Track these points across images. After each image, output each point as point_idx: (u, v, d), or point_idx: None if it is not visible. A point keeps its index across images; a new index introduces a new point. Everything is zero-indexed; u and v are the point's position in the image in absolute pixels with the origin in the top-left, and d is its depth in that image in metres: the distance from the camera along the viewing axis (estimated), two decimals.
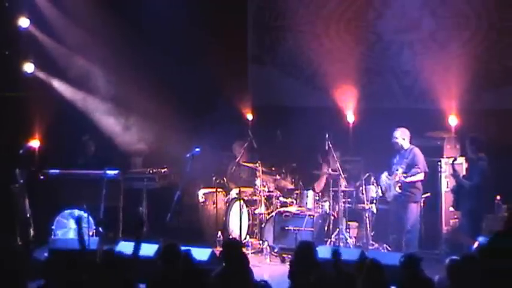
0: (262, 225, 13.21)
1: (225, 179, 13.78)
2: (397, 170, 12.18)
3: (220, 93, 14.47)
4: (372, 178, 12.62)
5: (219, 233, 13.01)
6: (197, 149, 12.83)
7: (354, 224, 13.05)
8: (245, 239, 13.22)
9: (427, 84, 13.61)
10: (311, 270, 7.69)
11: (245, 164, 13.56)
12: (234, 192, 13.64)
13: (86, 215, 11.89)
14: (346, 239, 12.59)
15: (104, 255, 7.83)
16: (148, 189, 13.55)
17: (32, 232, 12.95)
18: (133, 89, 14.05)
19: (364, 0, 14.38)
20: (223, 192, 13.73)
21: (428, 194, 12.50)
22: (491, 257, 7.63)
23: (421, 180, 12.16)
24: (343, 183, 12.78)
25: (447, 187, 12.58)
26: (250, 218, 13.48)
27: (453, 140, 12.95)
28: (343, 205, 12.78)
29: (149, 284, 7.58)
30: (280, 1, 15.13)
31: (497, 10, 13.27)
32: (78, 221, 8.86)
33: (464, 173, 12.29)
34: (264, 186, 13.44)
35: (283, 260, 12.32)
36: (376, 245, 12.47)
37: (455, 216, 12.47)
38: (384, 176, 12.41)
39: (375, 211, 12.60)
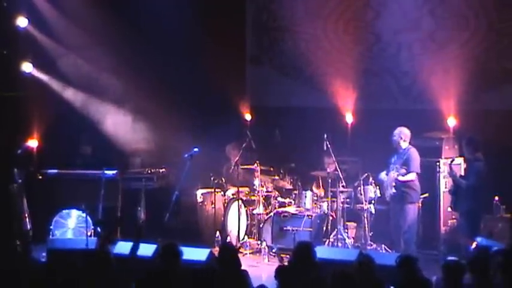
0: (261, 226, 13.21)
1: (223, 179, 13.77)
2: (392, 169, 12.19)
3: (219, 94, 14.45)
4: (370, 178, 12.62)
5: (217, 233, 13.00)
6: (195, 149, 12.83)
7: (352, 224, 13.05)
8: (243, 239, 13.22)
9: (425, 85, 13.61)
10: (309, 271, 7.68)
11: (243, 166, 13.53)
12: (229, 193, 13.64)
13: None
14: (345, 239, 12.59)
15: (98, 255, 7.83)
16: (147, 189, 13.54)
17: (30, 232, 12.96)
18: (132, 88, 14.04)
19: (362, 0, 14.37)
20: (222, 192, 13.73)
21: (427, 195, 12.51)
22: None
23: (413, 181, 12.13)
24: (341, 183, 12.79)
25: (445, 187, 12.58)
26: (249, 218, 13.48)
27: (451, 140, 12.95)
28: (341, 205, 12.78)
29: (147, 283, 7.57)
30: (279, 2, 15.13)
31: (496, 10, 13.27)
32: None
33: (462, 173, 12.30)
34: (262, 187, 13.45)
35: (281, 260, 12.31)
36: (375, 246, 12.47)
37: (454, 217, 12.48)
38: (383, 175, 12.42)
39: (373, 211, 12.61)
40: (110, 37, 13.70)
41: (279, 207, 13.33)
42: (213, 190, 13.43)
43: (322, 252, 9.86)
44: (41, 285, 7.35)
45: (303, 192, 13.14)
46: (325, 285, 7.16)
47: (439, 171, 12.60)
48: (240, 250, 12.67)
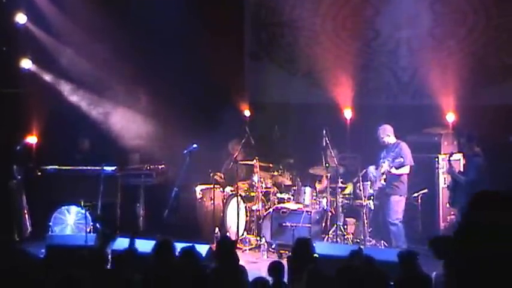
0: (260, 222, 13.21)
1: (222, 175, 13.77)
2: (383, 162, 12.21)
3: (218, 90, 14.45)
4: (368, 176, 12.64)
5: (217, 229, 13.01)
6: (194, 145, 12.84)
7: (351, 220, 13.05)
8: (242, 235, 13.22)
9: (424, 81, 13.61)
10: (308, 267, 7.68)
11: (243, 162, 13.54)
12: (228, 189, 13.65)
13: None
14: (344, 235, 12.60)
15: (100, 253, 7.84)
16: (146, 186, 13.56)
17: (29, 228, 12.98)
18: (130, 84, 14.05)
19: None
20: (221, 189, 13.73)
21: (426, 190, 12.52)
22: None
23: (407, 174, 12.17)
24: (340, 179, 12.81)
25: (444, 183, 12.60)
26: (248, 214, 13.48)
27: (450, 136, 12.97)
28: (340, 201, 12.79)
29: (144, 280, 7.57)
30: None
31: (495, 6, 13.27)
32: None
33: (461, 169, 12.32)
34: (262, 183, 13.44)
35: (280, 256, 12.32)
36: (374, 241, 12.48)
37: (453, 213, 12.49)
38: (372, 168, 12.45)
39: (372, 207, 12.61)
40: (108, 34, 13.68)
41: (278, 203, 13.33)
42: (212, 186, 13.43)
43: (321, 248, 9.87)
44: (40, 282, 7.34)
45: (302, 188, 13.15)
46: (323, 279, 7.15)
47: (438, 167, 12.61)
48: (239, 246, 12.68)
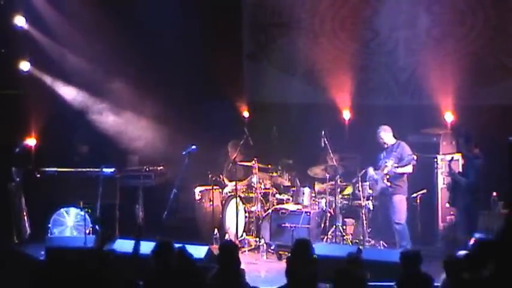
0: (259, 223, 13.21)
1: (221, 176, 13.77)
2: (386, 163, 12.22)
3: (216, 91, 14.44)
4: (368, 178, 12.64)
5: (216, 230, 13.01)
6: (193, 147, 12.84)
7: (350, 221, 13.05)
8: (242, 236, 13.21)
9: (423, 81, 13.61)
10: (308, 267, 7.67)
11: (241, 163, 13.54)
12: (227, 189, 13.64)
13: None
14: (343, 236, 12.60)
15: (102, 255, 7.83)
16: (145, 187, 13.55)
17: (28, 230, 12.98)
18: (129, 86, 14.04)
19: None
20: (220, 190, 13.73)
21: (425, 191, 12.53)
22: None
23: (410, 173, 12.20)
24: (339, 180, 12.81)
25: (443, 183, 12.62)
26: (247, 216, 13.47)
27: (449, 136, 12.98)
28: (339, 202, 12.79)
29: (145, 282, 7.58)
30: None
31: (493, 6, 13.27)
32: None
33: (460, 169, 12.33)
34: (260, 184, 13.44)
35: (280, 257, 12.33)
36: (373, 242, 12.48)
37: (452, 213, 12.50)
38: (371, 171, 12.46)
39: (371, 208, 12.62)
40: (107, 35, 13.68)
41: (277, 204, 13.32)
42: (211, 187, 13.43)
43: (320, 248, 9.88)
44: (40, 284, 7.35)
45: (301, 189, 13.15)
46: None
47: (437, 167, 12.63)
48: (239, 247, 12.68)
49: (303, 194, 13.06)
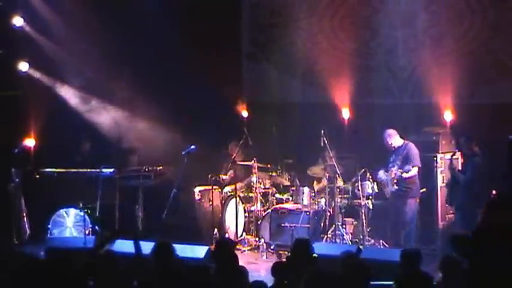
0: (259, 222, 13.21)
1: (220, 176, 13.76)
2: (393, 167, 12.23)
3: (215, 91, 14.43)
4: (368, 174, 12.64)
5: (215, 230, 13.01)
6: (193, 147, 12.83)
7: (350, 220, 13.05)
8: (241, 236, 13.22)
9: (422, 80, 13.62)
10: (307, 267, 7.67)
11: (241, 162, 13.54)
12: (227, 189, 13.64)
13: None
14: (343, 235, 12.60)
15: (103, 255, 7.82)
16: (144, 187, 13.55)
17: (28, 231, 12.98)
18: (127, 86, 14.04)
19: None
20: (219, 190, 13.72)
21: (424, 190, 12.53)
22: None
23: (416, 175, 12.21)
24: (339, 179, 12.80)
25: (443, 182, 12.62)
26: (247, 215, 13.47)
27: (449, 135, 12.97)
28: (339, 201, 12.78)
29: (143, 283, 7.56)
30: None
31: (491, 6, 13.27)
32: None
33: (460, 167, 12.34)
34: (260, 183, 13.44)
35: (279, 257, 12.32)
36: (373, 241, 12.48)
37: (451, 212, 12.51)
38: (382, 173, 12.46)
39: (371, 207, 12.62)
40: (105, 35, 13.70)
41: (277, 203, 13.34)
42: (210, 187, 13.42)
43: (320, 248, 9.87)
44: (39, 285, 7.34)
45: (301, 188, 13.15)
46: (323, 280, 7.14)
47: (437, 166, 12.62)
48: (238, 247, 12.68)
49: (303, 193, 13.06)
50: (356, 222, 12.92)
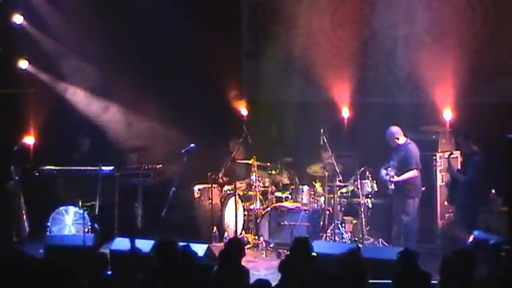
0: (258, 221, 13.21)
1: (220, 174, 13.75)
2: (390, 167, 12.23)
3: (215, 89, 14.43)
4: (367, 172, 12.63)
5: (215, 228, 13.01)
6: (192, 145, 12.82)
7: (349, 219, 13.04)
8: (240, 234, 13.22)
9: (421, 78, 13.59)
10: (306, 265, 7.67)
11: (240, 160, 13.54)
12: (226, 188, 13.64)
13: None
14: (342, 234, 12.60)
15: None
16: (144, 186, 13.55)
17: (27, 229, 12.97)
18: (127, 85, 14.03)
19: None
20: (219, 188, 13.72)
21: (424, 188, 12.52)
22: None
23: (415, 177, 12.20)
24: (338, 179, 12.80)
25: (442, 181, 12.62)
26: (246, 214, 13.47)
27: (448, 134, 12.96)
28: (338, 200, 12.78)
29: (145, 280, 7.57)
30: None
31: (492, 4, 13.26)
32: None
33: (459, 167, 12.33)
34: (259, 182, 13.43)
35: (279, 255, 12.33)
36: (372, 240, 12.48)
37: (451, 211, 12.51)
38: (383, 172, 12.44)
39: (370, 206, 12.62)
40: (106, 33, 13.69)
41: (276, 202, 13.34)
42: (210, 185, 13.42)
43: (319, 246, 9.87)
44: (38, 282, 7.34)
45: (300, 187, 13.14)
46: (325, 277, 7.14)
47: (436, 165, 12.62)
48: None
49: (302, 191, 13.06)
50: (355, 221, 12.91)
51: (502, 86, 13.21)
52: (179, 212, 13.37)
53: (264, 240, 12.77)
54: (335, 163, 12.65)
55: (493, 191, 12.02)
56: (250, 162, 13.38)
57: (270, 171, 13.66)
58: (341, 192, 12.92)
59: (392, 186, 12.27)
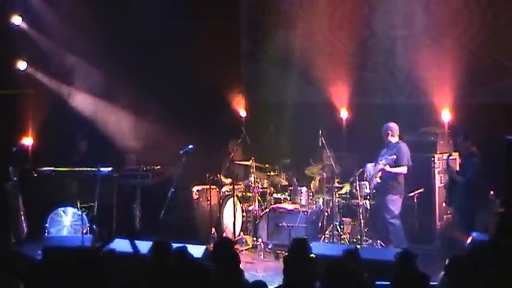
0: (256, 222, 13.22)
1: (219, 175, 13.75)
2: (381, 160, 12.22)
3: (214, 90, 14.44)
4: (366, 174, 12.64)
5: (213, 229, 13.01)
6: (190, 146, 12.81)
7: (347, 220, 13.05)
8: (239, 235, 13.23)
9: (420, 80, 13.61)
10: (305, 266, 7.68)
11: (239, 162, 13.54)
12: (225, 188, 13.64)
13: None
14: (340, 235, 12.60)
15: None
16: (142, 187, 13.55)
17: (25, 230, 12.96)
18: (126, 86, 14.03)
19: None
20: (217, 189, 13.72)
21: (422, 190, 12.53)
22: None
23: (404, 174, 12.19)
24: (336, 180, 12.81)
25: (441, 183, 12.62)
26: (244, 215, 13.48)
27: (446, 135, 12.98)
28: (337, 201, 12.78)
29: (142, 282, 7.57)
30: None
31: (489, 5, 13.27)
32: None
33: (457, 168, 12.34)
34: (258, 183, 13.43)
35: (277, 256, 12.34)
36: (370, 241, 12.48)
37: (449, 212, 12.51)
38: (370, 166, 12.47)
39: (368, 207, 12.62)
40: (104, 34, 13.70)
41: (275, 203, 13.34)
42: (208, 187, 13.42)
43: (317, 248, 9.87)
44: (36, 283, 7.33)
45: (299, 188, 13.14)
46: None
47: (434, 166, 12.62)
48: (236, 247, 12.66)
49: (301, 193, 13.06)
50: (354, 222, 12.91)
51: (500, 87, 13.22)
52: (178, 213, 13.36)
53: (263, 242, 12.77)
54: (333, 164, 12.66)
55: (492, 192, 12.02)
56: (248, 163, 13.38)
57: (268, 173, 13.66)
58: (339, 194, 12.93)
59: (378, 180, 12.25)
